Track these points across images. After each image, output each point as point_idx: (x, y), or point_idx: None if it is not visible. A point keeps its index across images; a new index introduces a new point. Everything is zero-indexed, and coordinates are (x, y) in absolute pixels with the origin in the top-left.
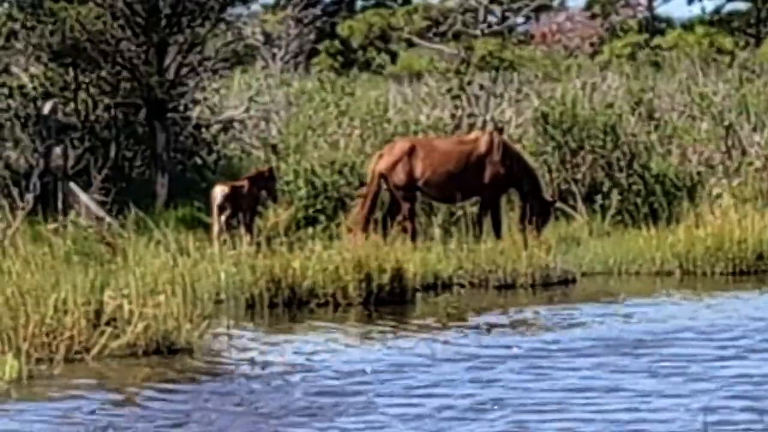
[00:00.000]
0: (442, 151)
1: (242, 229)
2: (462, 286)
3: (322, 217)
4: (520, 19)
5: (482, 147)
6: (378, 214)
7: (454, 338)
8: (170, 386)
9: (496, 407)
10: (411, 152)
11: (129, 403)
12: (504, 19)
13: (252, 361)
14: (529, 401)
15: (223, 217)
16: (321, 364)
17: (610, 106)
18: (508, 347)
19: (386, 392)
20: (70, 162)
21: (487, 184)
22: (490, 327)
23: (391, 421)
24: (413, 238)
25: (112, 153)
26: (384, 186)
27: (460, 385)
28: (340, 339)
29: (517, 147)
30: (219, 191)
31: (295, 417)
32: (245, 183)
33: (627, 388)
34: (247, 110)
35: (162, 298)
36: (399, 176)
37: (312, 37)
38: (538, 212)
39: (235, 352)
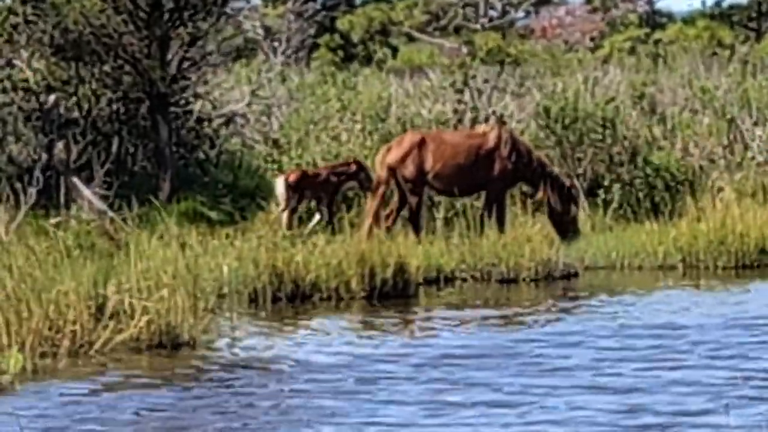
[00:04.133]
0: (452, 144)
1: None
2: (464, 280)
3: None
4: (520, 14)
5: (491, 141)
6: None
7: (454, 333)
8: (173, 380)
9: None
10: (421, 145)
11: (132, 397)
12: (504, 13)
13: (255, 355)
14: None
15: (283, 204)
16: (323, 357)
17: (612, 100)
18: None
19: (389, 386)
20: (73, 156)
21: (495, 179)
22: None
23: (393, 414)
24: (417, 232)
25: (115, 147)
26: (392, 179)
27: (457, 380)
28: (342, 333)
29: (526, 140)
30: (280, 180)
31: (297, 411)
32: (323, 171)
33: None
34: (249, 104)
35: (165, 292)
36: (408, 169)
37: (312, 31)
38: (565, 201)
39: (238, 346)
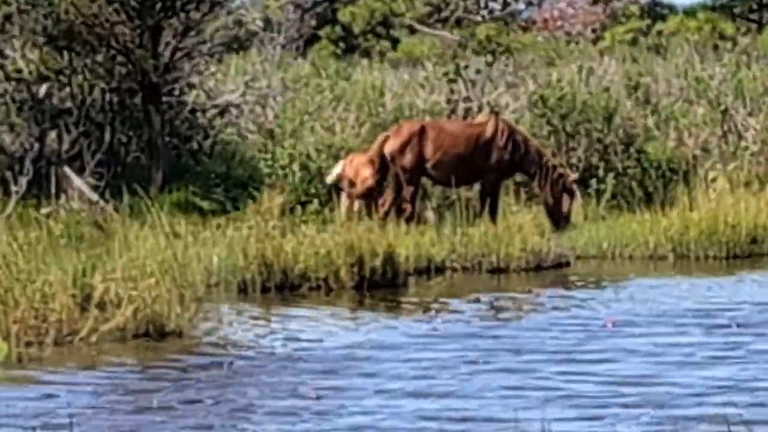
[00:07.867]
0: (451, 134)
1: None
2: (455, 270)
3: (315, 201)
4: (522, 5)
5: (489, 131)
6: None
7: (441, 322)
8: (160, 370)
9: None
10: (421, 133)
11: (118, 386)
12: (506, 4)
13: (243, 345)
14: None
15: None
16: (312, 347)
17: (607, 90)
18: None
19: (377, 374)
20: (65, 146)
21: (491, 169)
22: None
23: (379, 402)
24: (409, 221)
25: (107, 137)
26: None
27: (449, 367)
28: (331, 323)
29: (524, 131)
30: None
31: (284, 400)
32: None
33: None
34: (244, 95)
35: (152, 281)
36: (407, 158)
37: (313, 23)
38: (561, 192)
39: (225, 336)
